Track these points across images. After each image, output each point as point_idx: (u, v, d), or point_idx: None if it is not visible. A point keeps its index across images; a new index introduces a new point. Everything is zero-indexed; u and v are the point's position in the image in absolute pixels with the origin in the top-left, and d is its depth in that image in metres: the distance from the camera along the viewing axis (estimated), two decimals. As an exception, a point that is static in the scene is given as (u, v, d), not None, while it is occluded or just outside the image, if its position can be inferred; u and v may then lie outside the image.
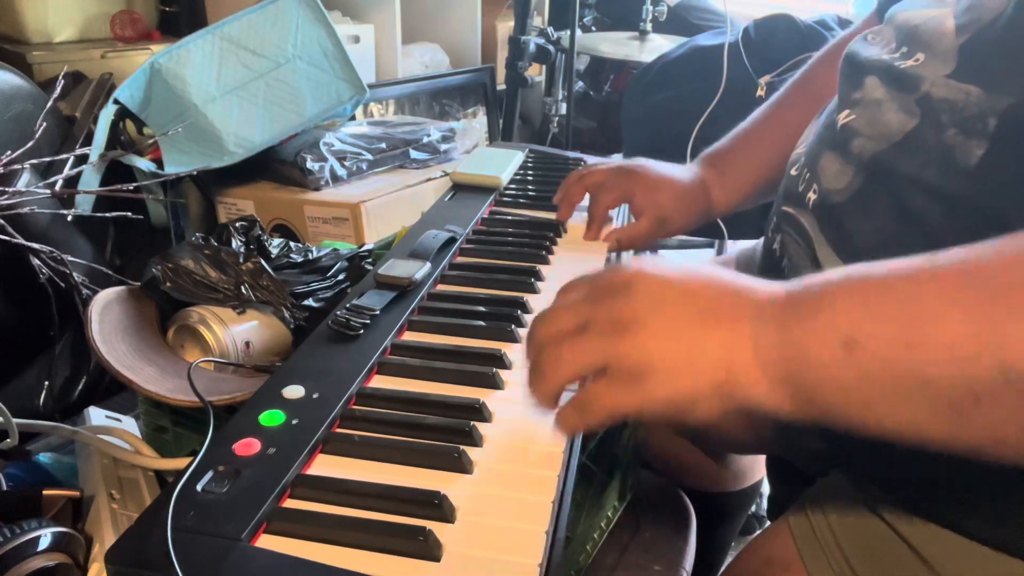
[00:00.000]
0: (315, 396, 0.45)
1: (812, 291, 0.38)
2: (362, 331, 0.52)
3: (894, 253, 0.48)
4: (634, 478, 0.71)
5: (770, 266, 0.63)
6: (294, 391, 0.45)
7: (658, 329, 0.39)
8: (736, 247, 0.89)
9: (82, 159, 1.02)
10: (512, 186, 0.86)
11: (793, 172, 0.62)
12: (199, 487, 0.37)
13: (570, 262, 0.69)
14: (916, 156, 0.49)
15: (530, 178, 0.90)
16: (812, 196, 0.56)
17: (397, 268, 0.60)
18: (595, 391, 0.39)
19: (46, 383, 0.86)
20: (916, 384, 0.34)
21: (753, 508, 1.12)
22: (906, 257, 0.37)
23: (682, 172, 0.79)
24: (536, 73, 2.14)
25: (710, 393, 0.38)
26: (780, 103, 0.81)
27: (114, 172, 1.13)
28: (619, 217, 0.79)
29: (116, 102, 1.19)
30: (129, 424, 0.64)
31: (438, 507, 0.37)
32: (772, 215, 0.65)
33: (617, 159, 1.01)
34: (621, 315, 0.39)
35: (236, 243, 0.74)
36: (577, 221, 0.78)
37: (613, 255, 0.74)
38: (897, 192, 0.50)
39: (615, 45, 1.92)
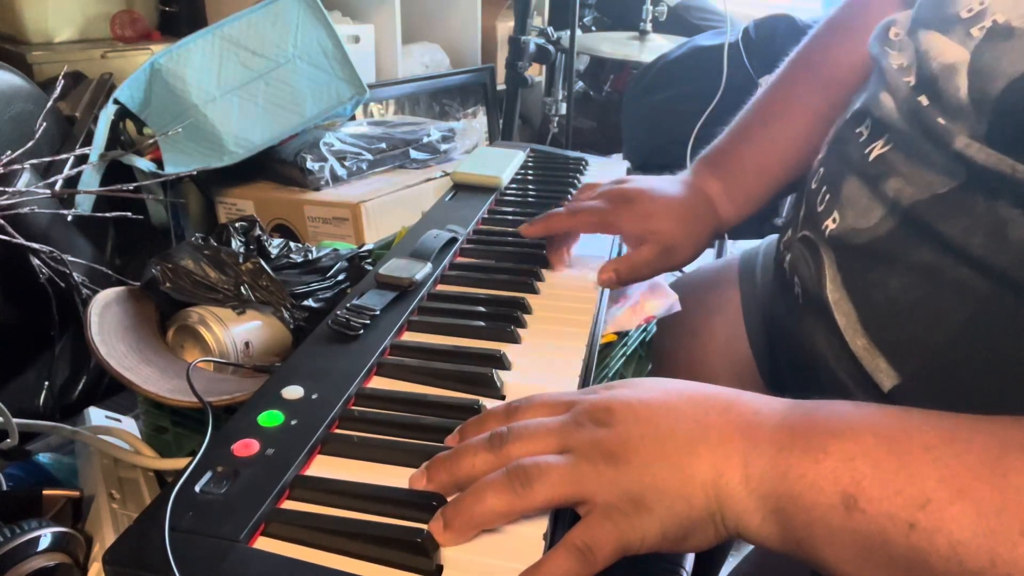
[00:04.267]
0: (314, 397, 0.45)
1: (816, 426, 0.35)
2: (362, 331, 0.52)
3: (922, 320, 0.44)
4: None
5: (782, 284, 0.59)
6: (293, 391, 0.45)
7: (651, 456, 0.36)
8: (736, 248, 0.88)
9: (82, 159, 1.02)
10: (513, 186, 0.86)
11: (813, 185, 0.56)
12: (197, 488, 0.37)
13: (570, 261, 0.69)
14: (961, 219, 0.42)
15: (531, 178, 0.90)
16: (831, 225, 0.51)
17: (397, 268, 0.60)
18: (596, 530, 0.35)
19: (46, 383, 0.86)
20: (914, 570, 0.31)
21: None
22: (929, 414, 0.34)
23: (680, 190, 0.68)
24: (536, 73, 2.14)
25: (705, 519, 0.36)
26: (782, 86, 0.70)
27: (114, 172, 1.13)
28: (611, 249, 0.72)
29: (116, 102, 1.19)
30: (129, 424, 0.64)
31: (436, 509, 0.37)
32: (785, 227, 0.60)
33: (616, 159, 1.00)
34: (609, 443, 0.37)
35: (236, 243, 0.74)
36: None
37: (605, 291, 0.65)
38: (935, 253, 0.44)
39: (615, 45, 1.92)
